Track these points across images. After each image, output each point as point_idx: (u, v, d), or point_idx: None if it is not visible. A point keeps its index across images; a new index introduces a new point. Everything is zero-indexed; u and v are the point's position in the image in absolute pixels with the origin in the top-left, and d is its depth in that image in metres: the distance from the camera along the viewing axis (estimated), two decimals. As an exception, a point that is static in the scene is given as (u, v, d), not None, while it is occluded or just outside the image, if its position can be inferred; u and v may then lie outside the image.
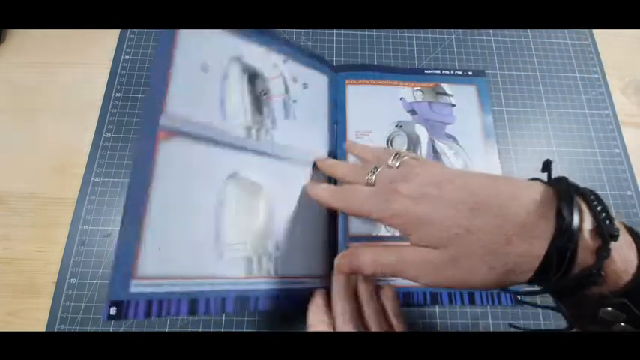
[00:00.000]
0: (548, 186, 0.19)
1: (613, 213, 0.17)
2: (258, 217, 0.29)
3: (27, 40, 0.40)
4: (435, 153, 0.37)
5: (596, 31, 0.44)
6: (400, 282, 0.32)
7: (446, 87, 0.40)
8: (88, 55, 0.40)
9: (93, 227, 0.33)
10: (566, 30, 0.44)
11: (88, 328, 0.30)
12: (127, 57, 0.40)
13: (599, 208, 0.17)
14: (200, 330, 0.31)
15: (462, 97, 0.39)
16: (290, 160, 0.32)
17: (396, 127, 0.37)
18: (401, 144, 0.37)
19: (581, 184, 0.18)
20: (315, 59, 0.37)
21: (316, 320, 0.26)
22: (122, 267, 0.23)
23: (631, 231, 0.18)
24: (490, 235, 0.18)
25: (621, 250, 0.16)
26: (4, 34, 0.40)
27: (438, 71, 0.40)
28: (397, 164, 0.25)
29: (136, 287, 0.23)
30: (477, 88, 0.40)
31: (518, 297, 0.31)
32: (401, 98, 0.39)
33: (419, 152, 0.37)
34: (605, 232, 0.16)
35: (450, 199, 0.20)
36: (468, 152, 0.37)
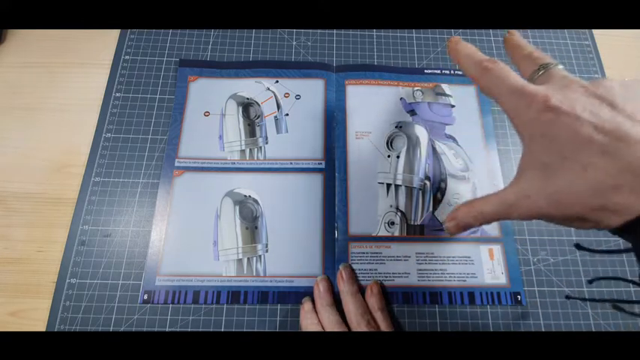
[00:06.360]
0: None
1: None
2: (249, 225, 0.33)
3: (27, 40, 0.40)
4: (434, 153, 0.37)
5: (596, 31, 0.44)
6: (400, 282, 0.32)
7: (446, 87, 0.40)
8: (88, 55, 0.40)
9: (93, 227, 0.33)
10: (566, 30, 0.44)
11: (88, 328, 0.30)
12: (127, 57, 0.40)
13: None
14: (200, 330, 0.31)
15: (462, 97, 0.39)
16: (282, 170, 0.35)
17: (396, 127, 0.37)
18: (400, 145, 0.37)
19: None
20: (309, 68, 0.39)
21: (307, 324, 0.30)
22: (151, 267, 0.32)
23: None
24: (603, 176, 0.18)
25: None
26: (4, 34, 0.40)
27: (438, 71, 0.40)
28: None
29: (159, 281, 0.31)
30: (476, 88, 0.40)
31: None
32: (401, 99, 0.39)
33: (418, 153, 0.37)
34: None
35: (599, 129, 0.18)
36: (467, 152, 0.37)
